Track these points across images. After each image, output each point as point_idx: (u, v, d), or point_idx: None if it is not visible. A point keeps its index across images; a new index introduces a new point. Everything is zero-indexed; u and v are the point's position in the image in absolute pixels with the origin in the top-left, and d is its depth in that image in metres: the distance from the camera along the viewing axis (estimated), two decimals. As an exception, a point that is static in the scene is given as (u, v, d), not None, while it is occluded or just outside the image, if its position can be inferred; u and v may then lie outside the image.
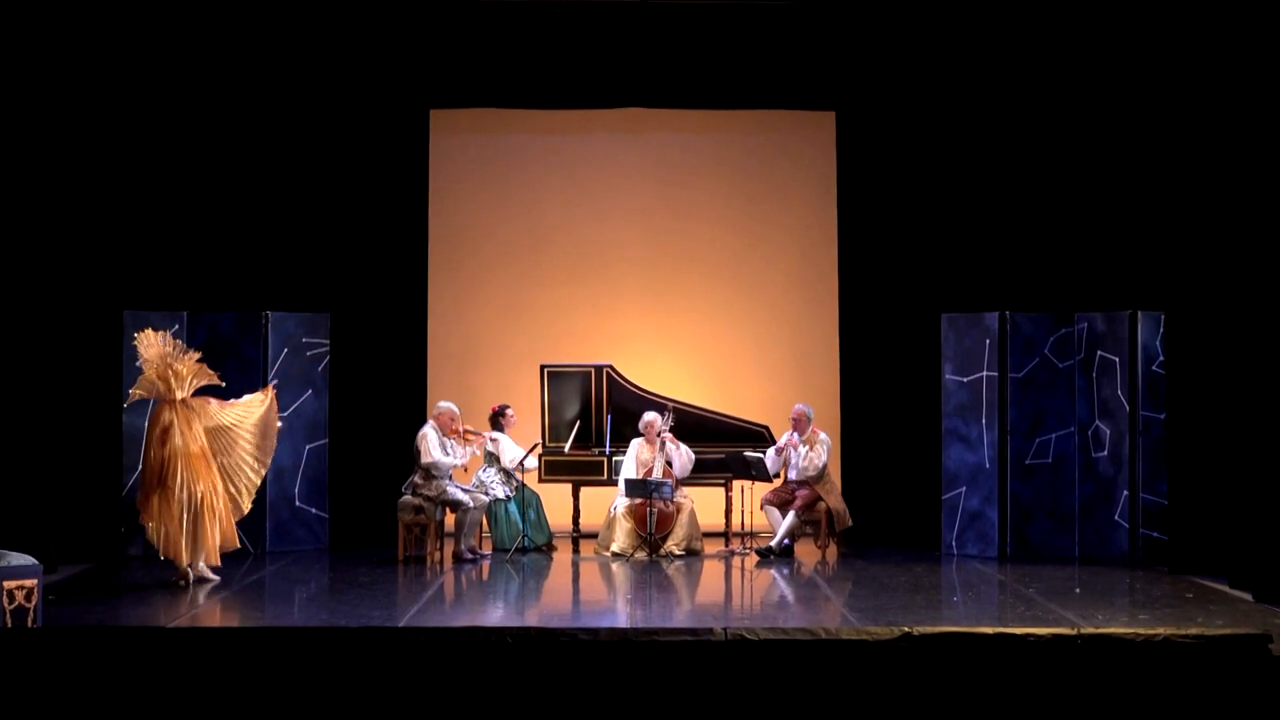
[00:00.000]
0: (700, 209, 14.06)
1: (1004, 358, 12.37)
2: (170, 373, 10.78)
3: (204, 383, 11.00)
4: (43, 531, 10.95)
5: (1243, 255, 10.90)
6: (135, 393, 11.02)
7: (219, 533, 10.83)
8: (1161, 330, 11.94)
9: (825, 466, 12.31)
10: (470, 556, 11.98)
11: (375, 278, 13.57)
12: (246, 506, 11.15)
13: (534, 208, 14.06)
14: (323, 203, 13.42)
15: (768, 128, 14.07)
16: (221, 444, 11.03)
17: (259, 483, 11.28)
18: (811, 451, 12.27)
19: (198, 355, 11.00)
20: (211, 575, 10.87)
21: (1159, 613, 9.41)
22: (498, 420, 12.67)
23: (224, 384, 11.22)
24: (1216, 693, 8.30)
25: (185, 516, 10.64)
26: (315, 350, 12.76)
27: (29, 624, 8.60)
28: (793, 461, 12.34)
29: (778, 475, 12.45)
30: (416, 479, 11.94)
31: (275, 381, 11.83)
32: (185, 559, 10.68)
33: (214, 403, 11.05)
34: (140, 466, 11.28)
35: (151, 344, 10.87)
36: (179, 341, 11.08)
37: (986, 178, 13.34)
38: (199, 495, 10.69)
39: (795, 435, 12.32)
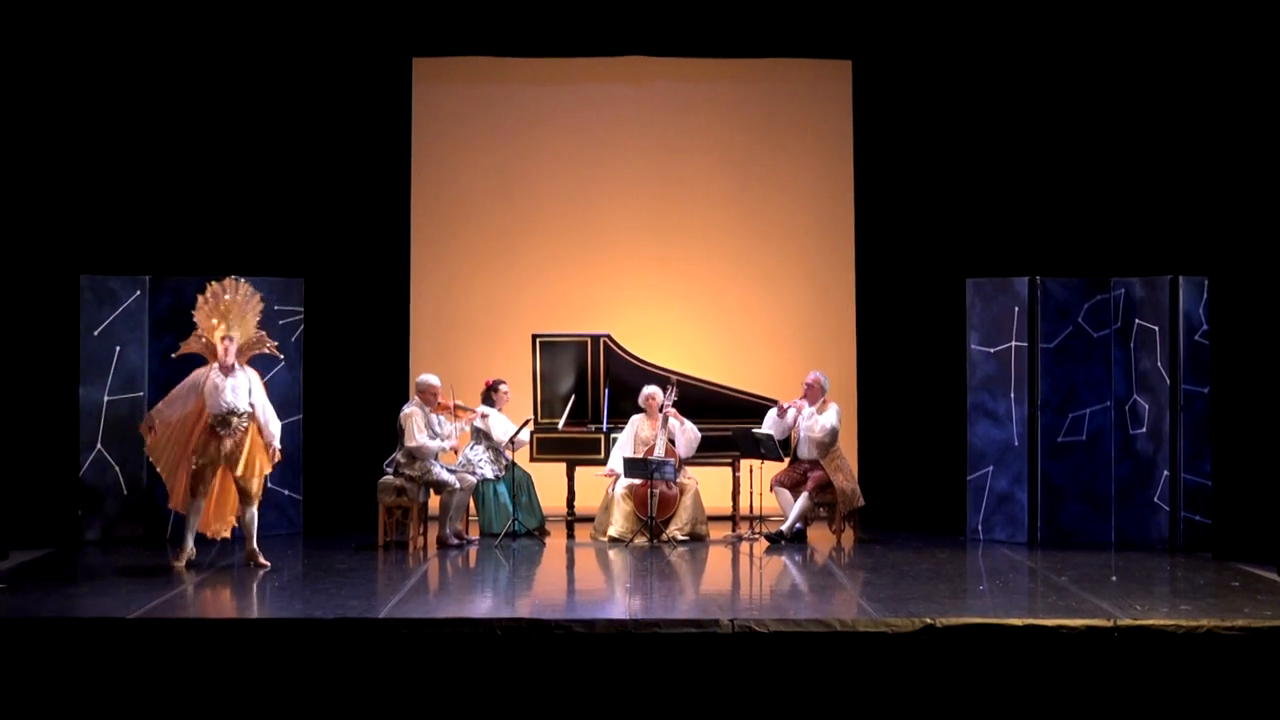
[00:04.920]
0: (705, 166, 14.00)
1: (1034, 326, 12.33)
2: (214, 340, 10.94)
3: (258, 351, 11.15)
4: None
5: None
6: (182, 346, 11.17)
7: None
8: (1205, 297, 11.89)
9: (834, 431, 12.18)
10: (456, 541, 11.96)
11: (354, 240, 13.56)
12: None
13: (526, 164, 14.00)
14: (297, 159, 13.39)
15: (779, 78, 14.00)
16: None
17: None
18: (819, 415, 12.21)
19: (258, 313, 11.14)
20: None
21: (1202, 603, 9.40)
22: (490, 396, 12.63)
23: (281, 356, 11.63)
24: (1263, 689, 8.30)
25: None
26: (289, 319, 12.70)
27: (-21, 615, 8.62)
28: (800, 431, 12.26)
29: (789, 454, 12.41)
30: (399, 458, 11.91)
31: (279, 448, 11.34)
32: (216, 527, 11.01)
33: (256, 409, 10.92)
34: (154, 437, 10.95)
35: (209, 303, 10.99)
36: (260, 304, 11.16)
37: (1015, 131, 13.31)
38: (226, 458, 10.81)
39: (802, 401, 12.28)
